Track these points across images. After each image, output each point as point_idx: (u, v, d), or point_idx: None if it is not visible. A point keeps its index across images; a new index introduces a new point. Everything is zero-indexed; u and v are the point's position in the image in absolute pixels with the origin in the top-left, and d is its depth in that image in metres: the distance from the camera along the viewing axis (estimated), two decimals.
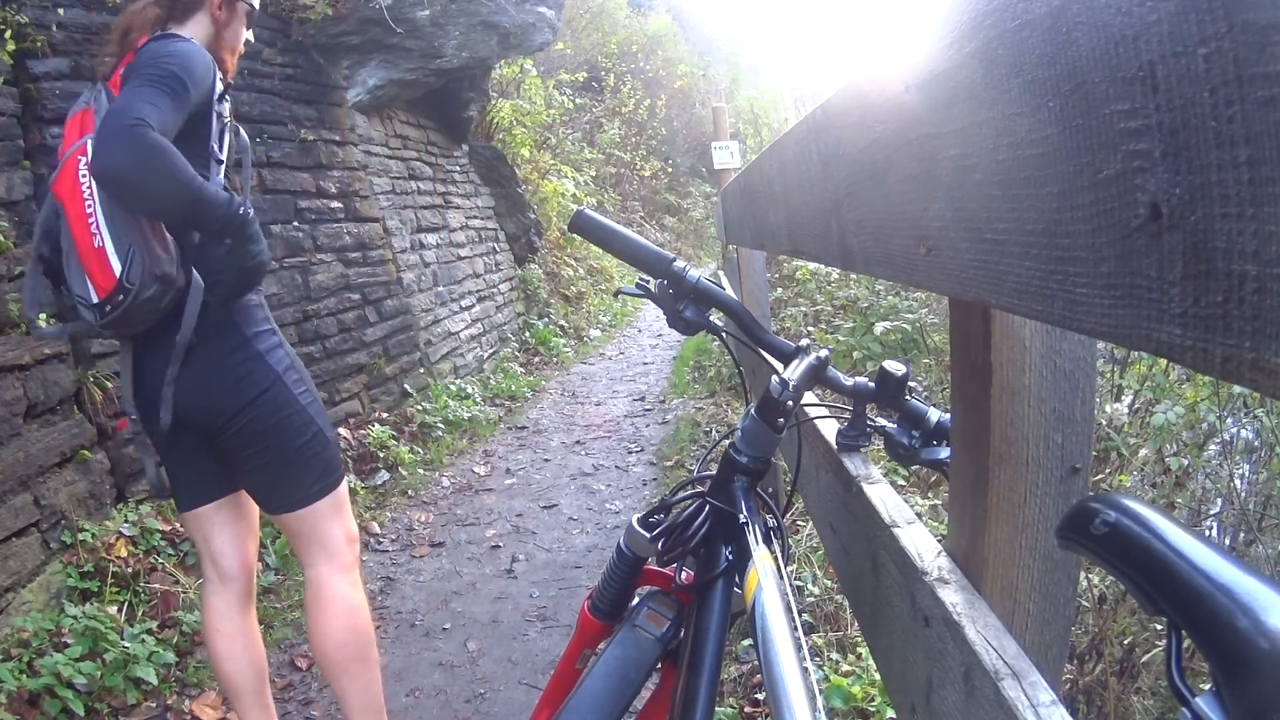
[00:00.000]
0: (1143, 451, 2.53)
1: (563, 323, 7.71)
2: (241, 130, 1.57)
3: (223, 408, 1.47)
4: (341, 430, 3.82)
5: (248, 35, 1.68)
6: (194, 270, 1.43)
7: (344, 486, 1.63)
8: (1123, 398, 2.74)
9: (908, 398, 1.03)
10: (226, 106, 1.54)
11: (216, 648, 1.61)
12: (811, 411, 1.30)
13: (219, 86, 1.49)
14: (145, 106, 1.31)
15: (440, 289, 5.42)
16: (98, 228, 1.35)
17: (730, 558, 0.96)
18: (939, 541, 0.83)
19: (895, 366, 1.03)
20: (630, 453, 4.27)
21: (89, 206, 1.36)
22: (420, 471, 3.92)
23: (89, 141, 1.37)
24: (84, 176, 1.37)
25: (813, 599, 2.28)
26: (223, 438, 1.50)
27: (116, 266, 1.34)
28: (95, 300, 1.37)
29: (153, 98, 1.33)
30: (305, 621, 1.65)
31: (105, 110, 1.36)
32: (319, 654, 1.62)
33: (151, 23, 1.52)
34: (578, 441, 4.53)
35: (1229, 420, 2.63)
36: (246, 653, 1.62)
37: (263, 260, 1.52)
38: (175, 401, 1.47)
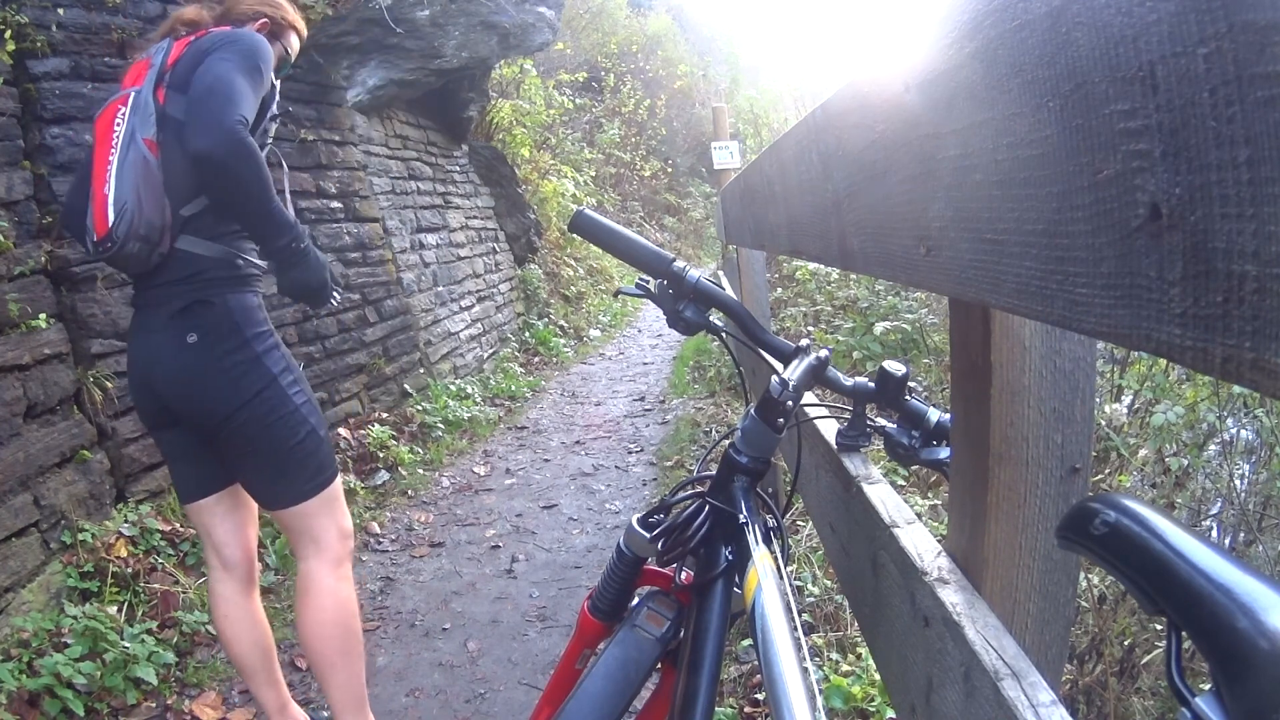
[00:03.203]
0: (1142, 451, 2.53)
1: (562, 323, 7.70)
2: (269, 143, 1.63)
3: (218, 408, 1.52)
4: (341, 430, 3.82)
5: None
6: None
7: (338, 483, 1.68)
8: (1122, 398, 2.74)
9: (908, 398, 1.02)
10: (274, 126, 1.60)
11: (224, 631, 1.71)
12: (811, 411, 1.29)
13: (275, 101, 1.57)
14: (244, 102, 1.39)
15: (440, 289, 5.42)
16: (110, 175, 1.44)
17: (730, 558, 0.96)
18: (939, 541, 0.83)
19: (895, 366, 1.03)
20: (630, 453, 4.27)
21: (112, 154, 1.45)
22: (420, 471, 3.91)
23: (134, 94, 1.47)
24: (119, 124, 1.46)
25: (813, 599, 2.28)
26: (219, 436, 1.55)
27: (110, 217, 1.42)
28: (95, 238, 1.46)
29: (246, 91, 1.40)
30: (295, 614, 1.72)
31: (203, 84, 1.40)
32: (304, 645, 1.68)
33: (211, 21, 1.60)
34: (577, 441, 4.53)
35: (1229, 420, 2.63)
36: (252, 634, 1.72)
37: (311, 284, 1.58)
38: (170, 397, 1.54)
